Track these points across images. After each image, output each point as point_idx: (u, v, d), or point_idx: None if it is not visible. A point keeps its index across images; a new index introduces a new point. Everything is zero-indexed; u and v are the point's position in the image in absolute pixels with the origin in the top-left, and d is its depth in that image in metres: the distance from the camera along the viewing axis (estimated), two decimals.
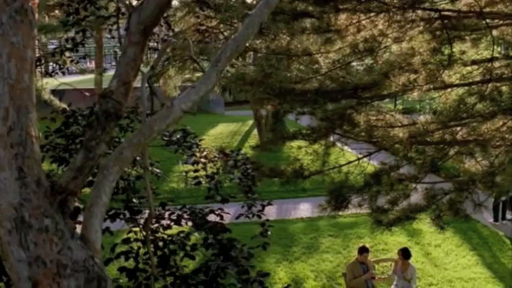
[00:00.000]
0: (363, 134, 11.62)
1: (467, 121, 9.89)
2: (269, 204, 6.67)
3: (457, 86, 10.33)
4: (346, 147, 12.35)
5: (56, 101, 23.35)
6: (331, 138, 11.94)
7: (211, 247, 5.62)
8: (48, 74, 7.98)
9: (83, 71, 25.11)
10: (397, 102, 28.30)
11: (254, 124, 26.33)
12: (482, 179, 9.24)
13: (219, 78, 3.73)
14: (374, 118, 11.61)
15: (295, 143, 21.26)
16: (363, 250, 11.87)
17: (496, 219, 17.33)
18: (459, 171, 10.11)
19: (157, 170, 6.95)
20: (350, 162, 12.29)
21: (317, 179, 19.01)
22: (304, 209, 18.54)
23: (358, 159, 12.39)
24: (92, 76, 30.53)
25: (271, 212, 13.33)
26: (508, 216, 17.56)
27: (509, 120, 9.68)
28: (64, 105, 8.23)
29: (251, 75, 11.18)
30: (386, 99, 23.10)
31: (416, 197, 10.14)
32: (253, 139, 25.43)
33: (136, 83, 3.78)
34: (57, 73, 7.86)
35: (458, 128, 10.24)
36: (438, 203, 9.47)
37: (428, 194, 9.41)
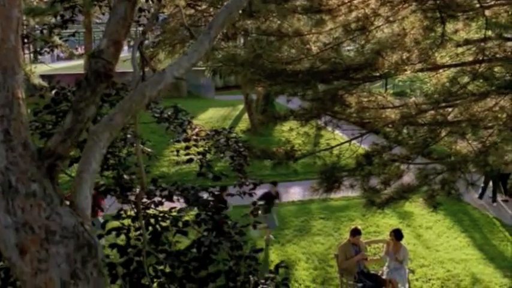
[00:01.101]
0: (354, 115, 11.57)
1: (459, 101, 9.84)
2: (261, 183, 6.59)
3: (449, 66, 10.27)
4: (337, 131, 12.30)
5: (45, 86, 23.16)
6: (323, 120, 11.92)
7: (203, 223, 5.54)
8: (36, 52, 7.83)
9: (72, 55, 24.92)
10: (388, 87, 28.29)
11: (244, 108, 26.22)
12: (474, 158, 9.20)
13: (212, 46, 3.64)
14: (366, 100, 11.56)
15: (286, 127, 21.21)
16: (355, 232, 11.85)
17: (481, 196, 17.38)
18: (451, 153, 10.08)
19: (149, 150, 6.86)
20: (342, 143, 12.24)
21: (308, 163, 19.03)
22: (295, 193, 18.50)
23: (350, 140, 12.37)
24: (81, 62, 30.36)
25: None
26: (498, 198, 17.62)
27: (501, 99, 9.64)
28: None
29: (242, 56, 11.08)
30: (378, 83, 23.06)
31: (408, 178, 10.10)
32: (244, 123, 25.32)
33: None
34: (46, 51, 7.71)
35: (450, 109, 10.21)
36: (431, 182, 9.43)
37: (420, 174, 9.37)
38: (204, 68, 27.82)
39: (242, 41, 20.54)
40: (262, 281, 5.47)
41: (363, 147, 11.18)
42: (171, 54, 22.92)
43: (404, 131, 11.46)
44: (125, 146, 6.37)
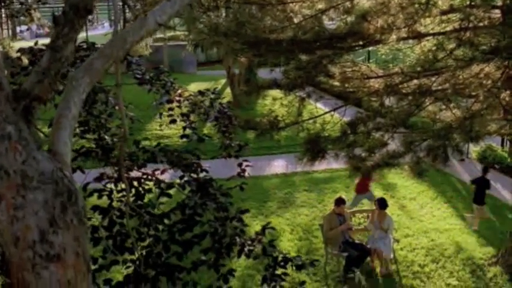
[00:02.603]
0: (338, 84, 11.48)
1: (445, 69, 9.76)
2: (246, 144, 6.46)
3: (433, 34, 10.19)
4: (319, 105, 12.24)
5: (25, 60, 22.80)
6: (306, 90, 11.92)
7: (187, 184, 5.40)
8: (13, 16, 7.58)
9: (51, 28, 24.47)
10: (370, 61, 28.24)
11: (227, 83, 26.06)
12: (459, 125, 9.14)
13: None
14: (349, 70, 11.50)
15: (268, 100, 21.05)
16: (340, 202, 11.77)
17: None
18: (435, 120, 10.02)
19: (131, 114, 6.69)
20: (325, 113, 12.15)
21: (291, 136, 18.95)
22: (279, 166, 18.43)
23: (334, 109, 12.34)
24: None
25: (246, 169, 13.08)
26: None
27: (486, 65, 9.56)
28: None
29: (224, 26, 10.91)
30: (360, 58, 22.96)
31: (393, 146, 10.03)
32: (226, 97, 25.14)
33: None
34: (23, 15, 7.48)
35: (433, 78, 10.16)
36: (416, 149, 9.35)
37: (405, 141, 9.28)
38: (185, 43, 27.60)
39: (224, 13, 20.35)
40: (249, 242, 5.37)
41: (345, 119, 11.09)
42: None
43: (387, 102, 11.42)
44: (106, 109, 6.19)
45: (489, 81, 9.56)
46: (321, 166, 17.61)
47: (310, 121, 11.76)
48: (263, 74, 13.70)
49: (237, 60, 21.42)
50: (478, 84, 9.59)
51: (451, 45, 9.42)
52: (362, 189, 14.07)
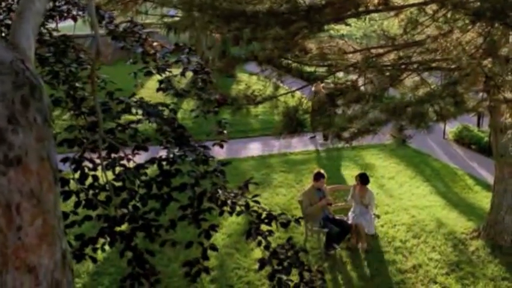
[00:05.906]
0: (316, 58, 11.24)
1: (427, 35, 9.56)
2: (226, 101, 6.14)
3: (412, 6, 9.98)
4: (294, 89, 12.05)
5: None
6: (284, 64, 11.70)
7: (164, 136, 5.05)
8: None
9: None
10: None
11: None
12: (443, 89, 8.91)
13: None
14: (327, 45, 11.27)
15: (243, 86, 20.78)
16: (319, 175, 11.46)
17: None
18: (418, 85, 9.81)
19: (104, 75, 6.30)
20: (303, 87, 11.91)
21: (266, 119, 18.67)
22: (255, 148, 18.11)
23: (311, 83, 11.99)
24: None
25: (220, 152, 12.43)
26: None
27: (468, 31, 9.36)
28: None
29: None
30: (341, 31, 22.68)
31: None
32: None
33: None
34: None
35: (412, 49, 9.97)
36: (398, 118, 9.09)
37: (388, 107, 9.00)
38: (158, 30, 27.07)
39: None
40: (232, 194, 5.05)
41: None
42: (123, 12, 22.18)
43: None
44: (78, 63, 5.81)
45: (472, 48, 9.36)
46: (297, 148, 17.48)
47: (288, 95, 11.50)
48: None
49: (211, 40, 21.08)
50: (461, 50, 9.38)
51: (434, 7, 9.22)
52: None
